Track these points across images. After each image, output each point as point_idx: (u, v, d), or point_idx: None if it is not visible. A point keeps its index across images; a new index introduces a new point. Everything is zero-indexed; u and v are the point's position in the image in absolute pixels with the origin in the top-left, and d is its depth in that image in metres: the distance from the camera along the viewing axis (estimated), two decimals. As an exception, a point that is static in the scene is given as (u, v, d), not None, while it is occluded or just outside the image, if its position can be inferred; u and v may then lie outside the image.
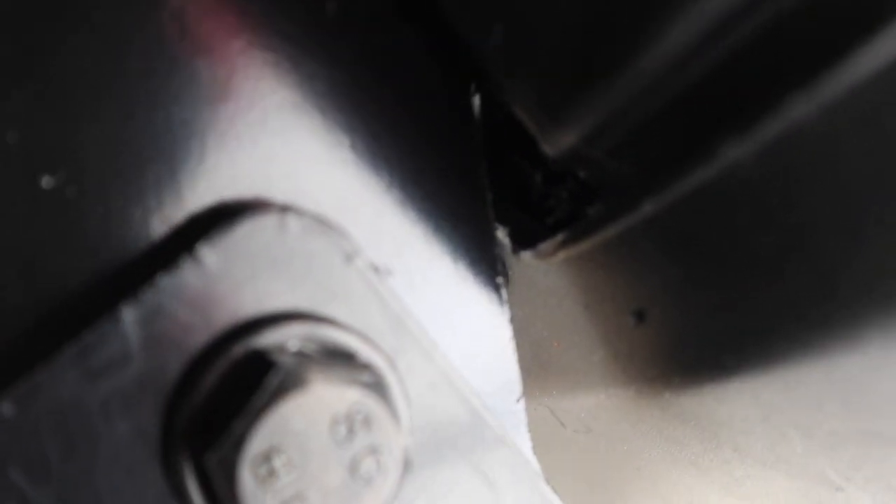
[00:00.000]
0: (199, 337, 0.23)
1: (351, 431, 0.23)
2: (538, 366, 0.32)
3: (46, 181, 0.22)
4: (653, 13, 0.21)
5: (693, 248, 0.24)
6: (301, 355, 0.23)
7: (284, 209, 0.24)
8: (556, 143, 0.26)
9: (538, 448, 0.30)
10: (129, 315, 0.22)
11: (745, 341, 0.24)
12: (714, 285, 0.24)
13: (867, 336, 0.21)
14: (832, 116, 0.19)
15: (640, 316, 0.27)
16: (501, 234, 0.30)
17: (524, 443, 0.29)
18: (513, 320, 0.29)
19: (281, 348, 0.23)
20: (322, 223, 0.25)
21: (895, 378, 0.21)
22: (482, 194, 0.28)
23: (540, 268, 0.30)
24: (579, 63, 0.24)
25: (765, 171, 0.21)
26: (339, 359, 0.24)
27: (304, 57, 0.25)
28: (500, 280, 0.28)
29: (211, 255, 0.23)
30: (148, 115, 0.23)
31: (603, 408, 0.31)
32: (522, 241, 0.29)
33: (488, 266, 0.28)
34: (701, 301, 0.25)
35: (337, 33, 0.26)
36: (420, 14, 0.27)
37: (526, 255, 0.29)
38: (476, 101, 0.29)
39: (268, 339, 0.24)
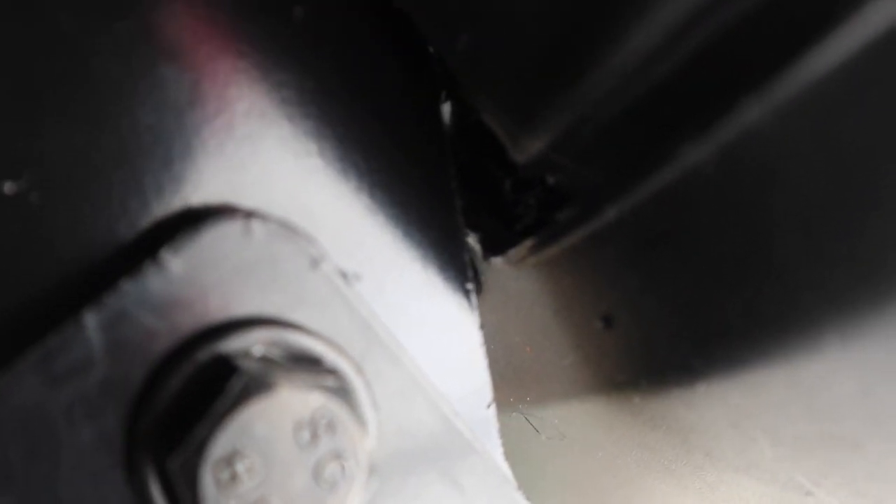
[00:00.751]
0: (164, 342, 0.23)
1: (315, 436, 0.23)
2: (512, 372, 0.32)
3: (9, 187, 0.22)
4: (613, 21, 0.21)
5: (657, 251, 0.24)
6: (265, 360, 0.23)
7: (249, 215, 0.24)
8: (525, 150, 0.27)
9: (513, 455, 0.30)
10: (91, 320, 0.22)
11: (710, 345, 0.24)
12: (679, 289, 0.24)
13: (826, 339, 0.21)
14: (786, 119, 0.19)
15: (608, 320, 0.27)
16: (472, 241, 0.30)
17: (495, 449, 0.29)
18: (486, 326, 0.30)
19: (245, 353, 0.23)
20: (288, 229, 0.25)
21: (854, 382, 0.21)
22: (452, 200, 0.28)
23: (511, 273, 0.30)
24: (543, 70, 0.24)
25: (724, 174, 0.21)
26: (304, 364, 0.24)
27: (271, 64, 0.26)
28: (469, 286, 0.29)
29: (175, 260, 0.23)
30: (113, 120, 0.23)
31: (576, 414, 0.31)
32: (493, 247, 0.29)
33: (458, 272, 0.28)
34: (666, 305, 0.25)
35: (306, 41, 0.26)
36: (389, 21, 0.28)
37: (497, 261, 0.30)
38: (446, 108, 0.29)
39: (232, 344, 0.24)
